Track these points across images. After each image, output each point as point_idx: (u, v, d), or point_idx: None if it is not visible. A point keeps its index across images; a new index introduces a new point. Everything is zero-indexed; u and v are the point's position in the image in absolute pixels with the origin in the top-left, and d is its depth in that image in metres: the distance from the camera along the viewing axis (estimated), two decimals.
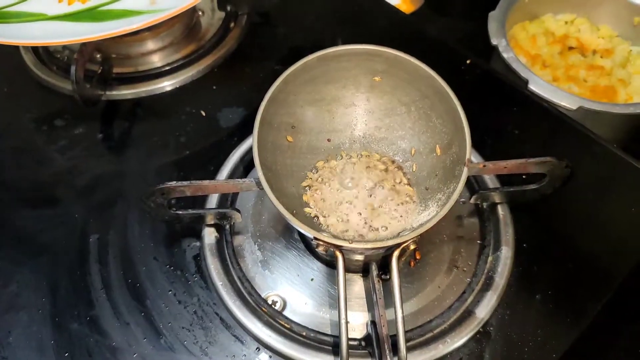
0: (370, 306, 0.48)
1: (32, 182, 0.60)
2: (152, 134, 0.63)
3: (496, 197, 0.53)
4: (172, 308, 0.49)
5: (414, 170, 0.49)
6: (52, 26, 0.60)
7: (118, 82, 0.67)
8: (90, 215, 0.56)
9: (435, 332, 0.47)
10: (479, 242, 0.52)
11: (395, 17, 0.77)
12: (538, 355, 0.46)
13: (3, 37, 0.58)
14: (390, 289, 0.42)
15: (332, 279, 0.50)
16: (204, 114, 0.65)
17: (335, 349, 0.46)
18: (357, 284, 0.50)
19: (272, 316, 0.48)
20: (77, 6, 0.64)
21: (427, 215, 0.46)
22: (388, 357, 0.40)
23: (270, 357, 0.46)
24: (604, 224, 0.54)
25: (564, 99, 0.66)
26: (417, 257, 0.51)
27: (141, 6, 0.63)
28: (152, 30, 0.69)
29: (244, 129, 0.62)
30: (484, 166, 0.46)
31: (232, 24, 0.75)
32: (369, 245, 0.41)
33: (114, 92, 0.67)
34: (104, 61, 0.66)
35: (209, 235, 0.52)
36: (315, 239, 0.41)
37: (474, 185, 0.55)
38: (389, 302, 0.43)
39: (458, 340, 0.46)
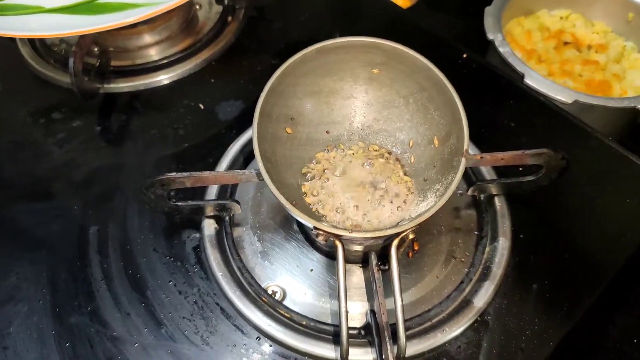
0: (370, 296, 0.49)
1: (30, 175, 0.60)
2: (151, 127, 0.63)
3: (493, 189, 0.53)
4: (173, 298, 0.50)
5: (412, 161, 0.50)
6: (50, 19, 0.60)
7: (116, 75, 0.67)
8: (89, 208, 0.56)
9: (433, 321, 0.47)
10: (476, 233, 0.53)
11: (392, 12, 0.78)
12: (535, 343, 0.47)
13: (0, 30, 0.57)
14: (390, 278, 0.43)
15: (331, 270, 0.51)
16: (202, 107, 0.65)
17: (335, 338, 0.46)
18: (356, 274, 0.51)
19: (272, 306, 0.48)
20: None
21: (426, 205, 0.46)
22: (388, 344, 0.40)
23: (270, 346, 0.47)
24: (600, 215, 0.55)
25: (560, 93, 0.67)
26: (416, 248, 0.52)
27: None
28: (150, 23, 0.69)
29: (243, 122, 0.63)
30: (481, 158, 0.47)
31: (229, 18, 0.75)
32: (369, 235, 0.41)
33: (112, 85, 0.67)
34: (101, 54, 0.66)
35: (209, 226, 0.53)
36: (316, 228, 0.41)
37: (471, 177, 0.56)
38: (388, 291, 0.43)
39: (456, 329, 0.47)
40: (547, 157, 0.47)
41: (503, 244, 0.51)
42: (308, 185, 0.49)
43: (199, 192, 0.55)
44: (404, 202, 0.48)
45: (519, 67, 0.69)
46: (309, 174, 0.50)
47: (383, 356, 0.41)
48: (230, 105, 0.65)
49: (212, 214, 0.53)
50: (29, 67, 0.70)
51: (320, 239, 0.43)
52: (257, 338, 0.47)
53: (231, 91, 0.67)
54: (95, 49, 0.66)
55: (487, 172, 0.56)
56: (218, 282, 0.50)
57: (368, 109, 0.52)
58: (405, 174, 0.50)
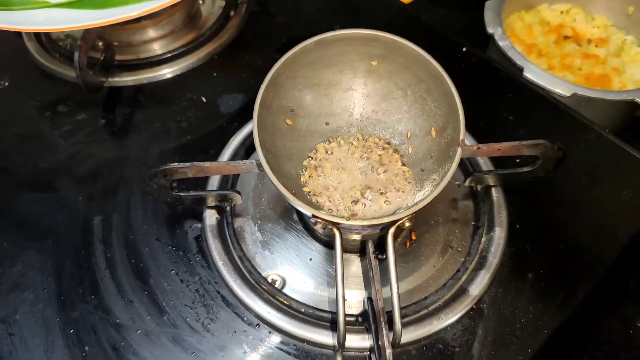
0: (367, 285, 0.50)
1: (36, 167, 0.61)
2: (154, 120, 0.65)
3: (490, 180, 0.54)
4: (175, 287, 0.51)
5: (409, 152, 0.51)
6: (55, 13, 0.61)
7: (120, 69, 0.69)
8: (94, 199, 0.57)
9: (430, 308, 0.48)
10: (473, 223, 0.54)
11: (393, 6, 0.78)
12: (529, 331, 0.48)
13: (6, 24, 0.59)
14: (386, 266, 0.43)
15: (330, 259, 0.51)
16: (204, 100, 0.66)
17: (333, 324, 0.47)
18: (355, 264, 0.51)
19: (271, 294, 0.49)
20: None
21: (423, 195, 0.47)
22: (384, 330, 0.41)
23: (270, 332, 0.48)
24: (596, 206, 0.56)
25: (559, 86, 0.68)
26: (413, 237, 0.53)
27: None
28: (153, 18, 0.70)
29: (244, 115, 0.64)
30: (478, 148, 0.47)
31: (232, 13, 0.76)
32: (366, 222, 0.42)
33: (116, 79, 0.68)
34: (106, 49, 0.68)
35: (210, 216, 0.54)
36: (314, 216, 0.42)
37: (468, 168, 0.57)
38: (385, 280, 0.44)
39: (452, 317, 0.48)
40: (543, 148, 0.48)
41: (499, 234, 0.52)
42: (307, 175, 0.50)
43: (201, 183, 0.56)
44: (402, 191, 0.49)
45: (518, 61, 0.70)
46: (308, 165, 0.51)
47: (379, 342, 0.42)
48: (232, 98, 0.66)
49: (213, 204, 0.54)
50: (35, 62, 0.72)
51: (319, 227, 0.43)
52: (256, 325, 0.48)
53: (233, 85, 0.68)
54: (100, 43, 0.67)
55: (484, 164, 0.57)
56: (219, 271, 0.51)
57: (367, 100, 0.52)
58: (403, 165, 0.50)
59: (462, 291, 0.49)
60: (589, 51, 0.80)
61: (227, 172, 0.49)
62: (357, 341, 0.46)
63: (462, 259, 0.51)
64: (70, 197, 0.58)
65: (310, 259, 0.52)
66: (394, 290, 0.42)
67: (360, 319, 0.47)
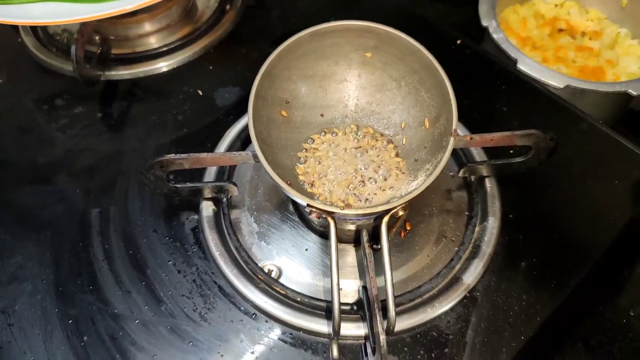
0: (362, 274, 0.50)
1: (34, 159, 0.62)
2: (151, 113, 0.65)
3: (484, 170, 0.55)
4: (172, 277, 0.51)
5: (403, 143, 0.51)
6: (52, 7, 0.61)
7: (116, 62, 0.69)
8: (92, 191, 0.58)
9: (424, 297, 0.49)
10: (467, 213, 0.54)
11: (389, 1, 0.79)
12: (522, 319, 0.48)
13: (3, 17, 0.59)
14: (381, 254, 0.44)
15: (326, 249, 0.52)
16: (200, 93, 0.67)
17: (328, 313, 0.48)
18: (350, 254, 0.52)
19: (268, 284, 0.49)
20: None
21: (416, 184, 0.48)
22: (378, 317, 0.42)
23: (266, 321, 0.48)
24: (588, 196, 0.56)
25: (552, 78, 0.68)
26: (408, 227, 0.53)
27: None
28: (150, 12, 0.70)
29: (240, 107, 0.64)
30: (471, 138, 0.48)
31: (227, 7, 0.76)
32: (360, 211, 0.42)
33: (113, 73, 0.68)
34: (102, 42, 0.68)
35: (207, 208, 0.54)
36: (309, 205, 0.43)
37: (462, 158, 0.57)
38: (379, 269, 0.44)
39: (446, 305, 0.48)
40: (535, 138, 0.48)
41: (493, 224, 0.52)
42: (302, 166, 0.51)
43: (197, 174, 0.57)
44: (396, 181, 0.49)
45: (512, 53, 0.70)
46: (303, 156, 0.51)
47: (374, 330, 0.43)
48: (228, 91, 0.67)
49: (210, 196, 0.54)
50: (33, 56, 0.72)
51: (314, 217, 0.44)
52: (253, 314, 0.49)
53: (229, 78, 0.68)
54: (97, 37, 0.68)
55: (478, 154, 0.58)
56: (216, 262, 0.51)
57: (361, 92, 0.53)
58: (397, 155, 0.51)
59: (456, 280, 0.50)
60: (583, 44, 0.80)
61: (223, 163, 0.50)
62: (353, 329, 0.47)
63: (456, 248, 0.52)
64: (68, 189, 0.58)
65: (306, 249, 0.52)
66: (388, 278, 0.42)
67: (355, 308, 0.48)
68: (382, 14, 0.77)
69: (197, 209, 0.55)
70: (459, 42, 0.69)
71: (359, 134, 0.53)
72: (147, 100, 0.67)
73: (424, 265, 0.51)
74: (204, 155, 0.48)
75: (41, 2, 0.63)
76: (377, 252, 0.47)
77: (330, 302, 0.47)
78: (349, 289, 0.50)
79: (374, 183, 0.49)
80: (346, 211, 0.42)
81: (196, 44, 0.71)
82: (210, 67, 0.70)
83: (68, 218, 0.56)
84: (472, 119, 0.61)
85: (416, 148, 0.50)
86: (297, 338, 0.48)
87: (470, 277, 0.49)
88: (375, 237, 0.49)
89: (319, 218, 0.44)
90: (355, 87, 0.53)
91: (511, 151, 0.57)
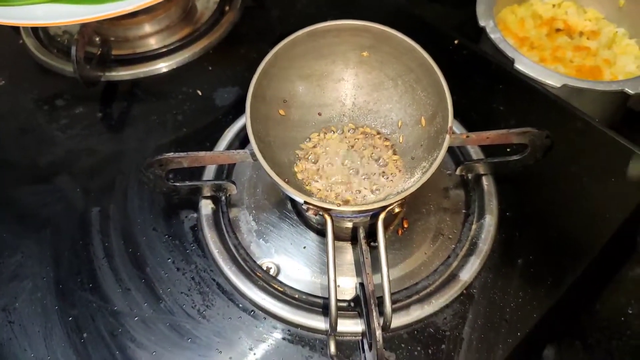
0: (360, 272, 0.51)
1: (35, 159, 0.62)
2: (150, 113, 0.65)
3: (481, 168, 0.55)
4: (171, 275, 0.52)
5: (400, 141, 0.52)
6: (53, 8, 0.62)
7: (117, 63, 0.70)
8: (92, 190, 0.58)
9: (421, 294, 0.49)
10: (463, 211, 0.55)
11: (388, 2, 0.79)
12: (519, 315, 0.48)
13: (4, 19, 0.60)
14: (377, 251, 0.44)
15: (324, 247, 0.52)
16: (200, 93, 0.67)
17: (326, 310, 0.48)
18: (348, 252, 0.52)
19: (266, 281, 0.50)
20: None
21: (412, 182, 0.48)
22: (374, 312, 0.42)
23: (265, 318, 0.49)
24: (585, 193, 0.57)
25: (549, 77, 0.68)
26: (405, 225, 0.53)
27: None
28: (149, 13, 0.71)
29: (239, 107, 0.65)
30: (467, 136, 0.48)
31: (226, 8, 0.77)
32: (356, 208, 0.43)
33: (113, 73, 0.69)
34: (102, 43, 0.69)
35: (206, 206, 0.55)
36: (306, 203, 0.43)
37: (459, 157, 0.58)
38: (376, 266, 0.45)
39: (443, 302, 0.48)
40: (531, 135, 0.49)
41: (489, 221, 0.53)
42: (300, 164, 0.51)
43: (197, 173, 0.57)
44: (392, 179, 0.50)
45: (510, 53, 0.71)
46: (301, 154, 0.52)
47: (370, 326, 0.43)
48: (227, 91, 0.67)
49: (209, 194, 0.55)
50: (34, 57, 0.73)
51: (311, 214, 0.44)
52: (251, 311, 0.49)
53: (228, 78, 0.69)
54: (97, 38, 0.68)
55: (475, 153, 0.58)
56: (214, 259, 0.52)
57: (358, 91, 0.53)
58: (394, 153, 0.51)
59: (453, 277, 0.50)
60: (581, 44, 0.81)
61: (222, 161, 0.50)
62: (350, 326, 0.47)
63: (453, 245, 0.52)
64: (68, 188, 0.59)
65: (304, 247, 0.53)
66: (384, 274, 0.43)
67: (352, 304, 0.48)
68: (380, 14, 0.77)
69: (196, 208, 0.55)
70: (456, 42, 0.70)
71: (356, 132, 0.53)
72: (147, 100, 0.68)
73: (421, 263, 0.51)
74: (202, 153, 0.49)
75: (42, 3, 0.64)
76: (374, 250, 0.48)
77: (327, 299, 0.48)
78: (347, 286, 0.50)
79: (371, 181, 0.50)
80: (343, 208, 0.43)
81: (196, 45, 0.72)
82: (210, 68, 0.70)
83: (68, 217, 0.56)
84: (469, 118, 0.61)
85: (413, 146, 0.50)
86: (295, 334, 0.48)
87: (467, 274, 0.50)
88: (372, 235, 0.49)
89: (316, 215, 0.45)
90: (353, 86, 0.53)
91: (508, 149, 0.58)
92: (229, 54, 0.72)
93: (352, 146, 0.52)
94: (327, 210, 0.43)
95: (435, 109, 0.48)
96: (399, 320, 0.47)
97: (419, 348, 0.47)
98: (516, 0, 0.86)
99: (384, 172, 0.50)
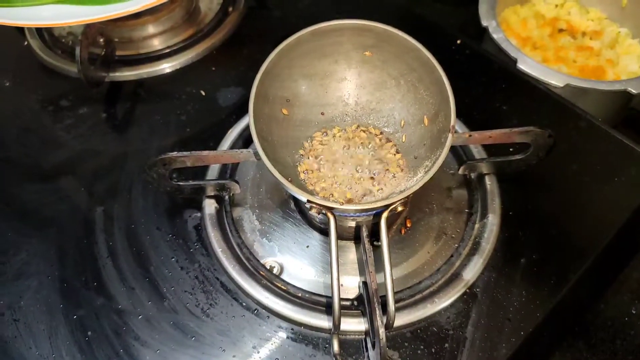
0: (363, 271, 0.51)
1: (39, 159, 0.63)
2: (154, 113, 0.66)
3: (483, 168, 0.55)
4: (175, 274, 0.52)
5: (403, 140, 0.52)
6: (57, 9, 0.62)
7: (121, 64, 0.70)
8: (96, 190, 0.59)
9: (424, 293, 0.49)
10: (466, 210, 0.55)
11: (391, 2, 0.79)
12: (522, 314, 0.48)
13: (9, 19, 0.60)
14: (380, 250, 0.44)
15: (327, 246, 0.53)
16: (203, 93, 0.67)
17: (329, 309, 0.48)
18: (351, 251, 0.53)
19: (269, 280, 0.50)
20: None
21: (415, 181, 0.48)
22: (377, 311, 0.42)
23: (268, 317, 0.49)
24: (588, 193, 0.57)
25: (552, 77, 0.69)
26: (408, 225, 0.54)
27: None
28: (153, 14, 0.71)
29: (242, 107, 0.65)
30: (470, 136, 0.49)
31: (230, 9, 0.77)
32: (359, 207, 0.43)
33: (117, 74, 0.69)
34: (106, 44, 0.69)
35: (209, 206, 0.55)
36: (309, 201, 0.43)
37: (462, 156, 0.58)
38: (379, 265, 0.45)
39: (446, 301, 0.49)
40: (534, 134, 0.49)
41: (492, 221, 0.53)
42: (303, 163, 0.51)
43: (200, 173, 0.58)
44: (395, 178, 0.50)
45: (512, 53, 0.71)
46: (304, 153, 0.52)
47: (374, 324, 0.43)
48: (231, 92, 0.68)
49: (212, 193, 0.55)
50: (38, 58, 0.73)
51: (314, 212, 0.45)
52: (255, 310, 0.50)
53: (231, 78, 0.69)
54: (101, 39, 0.69)
55: (478, 152, 0.58)
56: (218, 258, 0.52)
57: (361, 90, 0.53)
58: (397, 153, 0.52)
59: (456, 276, 0.50)
60: (584, 44, 0.81)
61: (225, 160, 0.50)
62: (353, 324, 0.47)
63: (456, 245, 0.52)
64: (72, 188, 0.59)
65: (308, 246, 0.53)
66: (387, 273, 0.43)
67: (355, 303, 0.48)
68: (383, 14, 0.76)
69: (199, 207, 0.56)
70: (458, 41, 0.70)
71: (359, 131, 0.53)
72: (151, 101, 0.68)
73: (424, 262, 0.51)
74: (205, 153, 0.49)
75: (46, 4, 0.64)
76: (377, 249, 0.48)
77: (330, 298, 0.48)
78: (350, 285, 0.50)
79: (373, 180, 0.50)
80: (346, 207, 0.43)
81: (199, 46, 0.72)
82: (213, 68, 0.71)
83: (73, 216, 0.57)
84: (471, 118, 0.61)
85: (415, 145, 0.51)
86: (299, 333, 0.48)
87: (470, 273, 0.50)
88: (375, 234, 0.49)
89: (319, 214, 0.45)
90: (355, 85, 0.53)
91: (511, 149, 0.58)
92: (232, 55, 0.72)
93: (355, 145, 0.52)
94: (330, 209, 0.44)
95: (438, 108, 0.48)
96: (402, 319, 0.47)
97: (422, 347, 0.47)
98: (519, 0, 0.86)
99: (386, 171, 0.50)
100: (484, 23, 0.76)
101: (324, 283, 0.51)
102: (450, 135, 0.44)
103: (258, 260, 0.51)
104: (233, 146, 0.60)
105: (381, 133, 0.53)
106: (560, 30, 0.83)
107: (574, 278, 0.51)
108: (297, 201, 0.55)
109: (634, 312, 0.58)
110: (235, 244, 0.52)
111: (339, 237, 0.49)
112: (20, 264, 0.53)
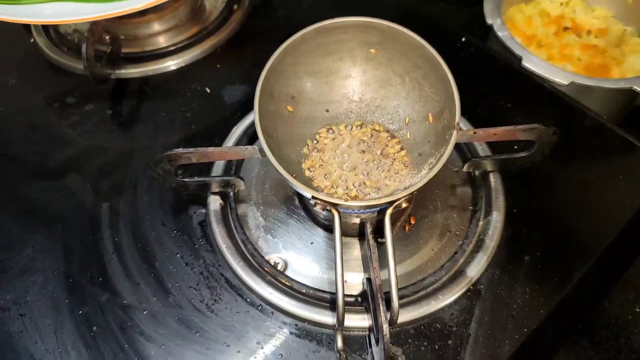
0: (367, 267, 0.51)
1: (45, 156, 0.63)
2: (159, 111, 0.66)
3: (488, 165, 0.55)
4: (180, 269, 0.52)
5: (408, 137, 0.52)
6: (63, 6, 0.63)
7: (126, 61, 0.70)
8: (101, 186, 0.59)
9: (428, 289, 0.49)
10: (471, 208, 0.55)
11: (392, 0, 0.79)
12: (525, 312, 0.48)
13: (15, 17, 0.60)
14: (385, 247, 0.44)
15: (331, 243, 0.53)
16: (208, 91, 0.68)
17: (333, 305, 0.48)
18: (355, 247, 0.53)
19: (274, 276, 0.50)
20: None
21: (420, 177, 0.48)
22: (381, 307, 0.42)
23: (272, 313, 0.49)
24: (592, 191, 0.57)
25: (557, 75, 0.68)
26: (412, 222, 0.54)
27: None
28: (158, 12, 0.72)
29: (247, 105, 0.65)
30: (474, 133, 0.49)
31: (235, 7, 0.77)
32: (363, 203, 0.43)
33: (123, 71, 0.70)
34: (112, 42, 0.69)
35: (214, 202, 0.55)
36: (313, 197, 0.43)
37: (466, 153, 0.58)
38: (383, 262, 0.45)
39: (450, 297, 0.49)
40: (538, 132, 0.49)
41: (496, 218, 0.53)
42: (308, 160, 0.51)
43: (205, 169, 0.58)
44: (400, 175, 0.50)
45: (517, 51, 0.71)
46: (309, 150, 0.52)
47: (377, 321, 0.43)
48: (236, 89, 0.68)
49: (217, 190, 0.55)
50: (44, 55, 0.74)
51: (318, 208, 0.45)
52: (259, 306, 0.50)
53: (236, 76, 0.69)
54: (107, 36, 0.69)
55: (482, 149, 0.58)
56: (223, 254, 0.52)
57: (366, 88, 0.54)
58: (401, 149, 0.52)
59: (460, 273, 0.50)
60: (589, 42, 0.81)
61: (230, 157, 0.51)
62: (357, 320, 0.47)
63: (460, 242, 0.52)
64: (78, 184, 0.59)
65: (312, 243, 0.53)
66: (392, 270, 0.43)
67: (359, 299, 0.48)
68: (387, 12, 0.76)
69: (204, 203, 0.56)
70: (463, 39, 0.70)
71: (363, 129, 0.53)
72: (156, 98, 0.68)
73: (428, 259, 0.51)
74: (210, 149, 0.49)
75: (52, 1, 0.64)
76: (382, 246, 0.48)
77: (334, 294, 0.48)
78: (354, 282, 0.50)
79: (378, 177, 0.50)
80: (350, 203, 0.43)
81: (204, 43, 0.72)
82: (218, 66, 0.71)
83: (78, 212, 0.57)
84: (476, 115, 0.61)
85: (420, 142, 0.51)
86: (303, 329, 0.48)
87: (474, 270, 0.50)
88: (379, 231, 0.50)
89: (323, 210, 0.45)
90: (360, 82, 0.53)
91: (515, 146, 0.58)
92: (237, 52, 0.73)
93: (360, 142, 0.52)
94: (334, 205, 0.44)
95: (443, 105, 0.48)
96: (406, 316, 0.48)
97: (425, 343, 0.47)
98: None
99: (391, 168, 0.51)
100: (489, 21, 0.76)
101: (328, 279, 0.51)
102: (454, 132, 0.45)
103: (262, 257, 0.51)
104: (238, 143, 0.60)
105: (386, 130, 0.53)
106: (566, 29, 0.83)
107: (577, 276, 0.51)
108: (301, 198, 0.56)
109: (638, 310, 0.58)
110: (240, 240, 0.53)
111: (343, 233, 0.49)
112: (26, 260, 0.54)
